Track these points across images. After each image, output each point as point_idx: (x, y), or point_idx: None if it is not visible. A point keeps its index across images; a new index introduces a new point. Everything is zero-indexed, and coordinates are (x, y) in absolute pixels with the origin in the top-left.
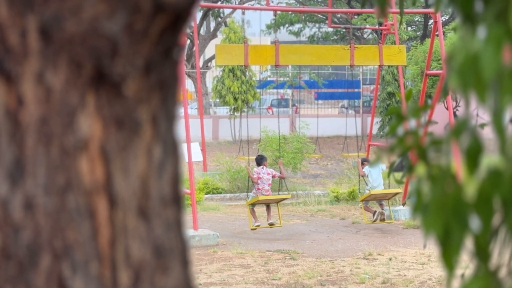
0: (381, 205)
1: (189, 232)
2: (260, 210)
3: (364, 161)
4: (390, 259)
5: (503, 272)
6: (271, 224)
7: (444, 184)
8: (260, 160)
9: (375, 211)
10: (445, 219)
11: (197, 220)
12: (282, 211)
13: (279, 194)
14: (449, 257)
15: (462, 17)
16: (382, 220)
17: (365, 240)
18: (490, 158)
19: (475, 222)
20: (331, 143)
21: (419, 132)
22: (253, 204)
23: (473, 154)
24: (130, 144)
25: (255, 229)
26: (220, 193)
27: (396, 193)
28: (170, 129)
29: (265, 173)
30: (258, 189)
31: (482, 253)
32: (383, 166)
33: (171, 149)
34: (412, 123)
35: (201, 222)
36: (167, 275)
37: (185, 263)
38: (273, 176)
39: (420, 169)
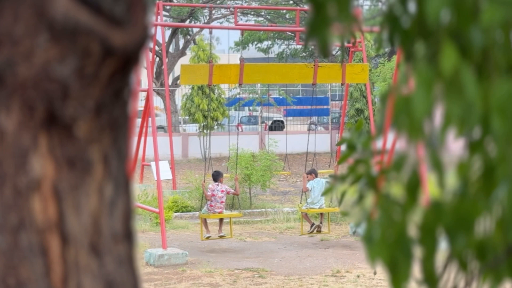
0: (321, 215)
1: (158, 251)
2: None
3: (311, 172)
4: (358, 276)
5: None
6: (222, 236)
7: (390, 214)
8: (216, 176)
9: (313, 223)
10: (390, 249)
11: (166, 239)
12: (250, 228)
13: (231, 213)
14: (398, 284)
15: (404, 56)
16: (319, 231)
17: (333, 257)
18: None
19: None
20: (301, 160)
21: (369, 161)
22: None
23: (412, 188)
24: (81, 183)
25: (207, 239)
26: (190, 211)
27: (334, 211)
28: (121, 168)
29: (219, 191)
30: (211, 206)
31: (429, 279)
32: (325, 183)
33: (123, 186)
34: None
35: (170, 241)
36: None
37: None
38: (228, 193)
39: (369, 199)
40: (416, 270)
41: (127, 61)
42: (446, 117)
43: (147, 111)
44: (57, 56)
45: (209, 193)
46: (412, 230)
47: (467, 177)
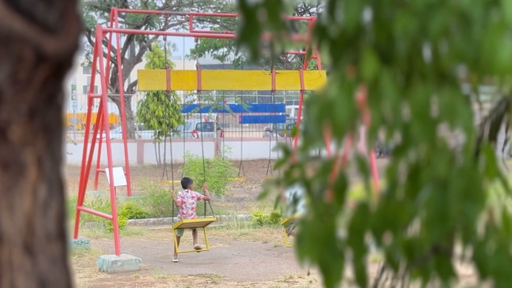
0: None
1: (112, 257)
2: (186, 234)
3: None
4: (311, 281)
5: None
6: (197, 248)
7: (322, 217)
8: (185, 183)
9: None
10: (319, 249)
11: (120, 245)
12: (204, 234)
13: (204, 217)
14: (330, 285)
15: (331, 64)
16: None
17: (286, 263)
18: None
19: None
20: (256, 166)
21: (304, 165)
22: (179, 230)
23: (340, 190)
24: (15, 184)
25: (176, 258)
26: (144, 217)
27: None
28: (55, 169)
29: (190, 197)
30: (183, 213)
31: (360, 280)
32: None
33: (56, 188)
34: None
35: (123, 247)
36: None
37: None
38: (198, 199)
39: (306, 201)
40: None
41: (60, 67)
42: (371, 122)
43: (101, 118)
44: None
45: (179, 200)
46: (342, 231)
47: (394, 180)
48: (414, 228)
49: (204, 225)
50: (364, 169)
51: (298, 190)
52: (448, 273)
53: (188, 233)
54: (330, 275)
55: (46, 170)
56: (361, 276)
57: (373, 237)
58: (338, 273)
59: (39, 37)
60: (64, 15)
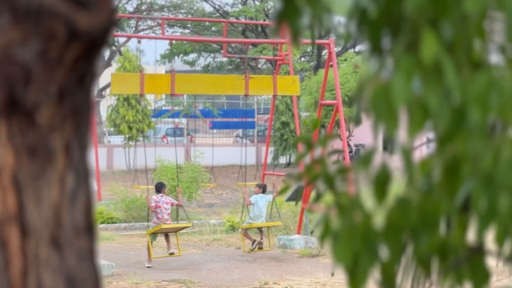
0: (260, 232)
1: None
2: (158, 239)
3: (260, 186)
4: None
5: None
6: (172, 253)
7: (352, 213)
8: (160, 187)
9: (254, 240)
10: (355, 248)
11: None
12: (176, 240)
13: (179, 223)
14: (356, 286)
15: (370, 49)
16: (260, 248)
17: (261, 269)
18: (398, 187)
19: (383, 251)
20: (226, 172)
21: (326, 160)
22: (153, 235)
23: (381, 183)
24: (42, 172)
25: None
26: (115, 222)
27: (275, 226)
28: (82, 157)
29: (164, 202)
30: (159, 218)
31: (388, 282)
32: (270, 198)
33: (84, 177)
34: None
35: None
36: None
37: None
38: (172, 204)
39: (328, 198)
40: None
41: (93, 46)
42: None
43: None
44: (19, 38)
45: (153, 204)
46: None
47: (431, 174)
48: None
49: (179, 229)
50: (409, 161)
51: (258, 197)
52: (483, 277)
53: (160, 239)
54: (357, 276)
55: (74, 158)
56: (390, 277)
57: (411, 235)
58: (365, 274)
59: (71, 12)
60: None
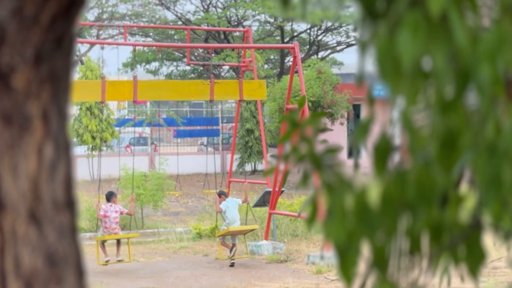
0: (234, 239)
1: None
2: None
3: (221, 194)
4: None
5: (402, 282)
6: (120, 261)
7: (345, 191)
8: (109, 196)
9: (233, 246)
10: (348, 225)
11: None
12: (143, 248)
13: (128, 233)
14: (347, 269)
15: (363, 13)
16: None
17: (229, 276)
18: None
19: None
20: (191, 180)
21: (313, 140)
22: (102, 240)
23: (382, 153)
24: (19, 142)
25: (106, 264)
26: (80, 232)
27: (253, 229)
28: (62, 127)
29: (113, 211)
30: (106, 227)
31: (380, 263)
32: (239, 201)
33: (64, 148)
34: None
35: None
36: (61, 285)
37: (79, 273)
38: (121, 213)
39: (316, 179)
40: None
41: (71, 4)
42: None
43: None
44: None
45: (101, 213)
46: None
47: (427, 146)
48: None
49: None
50: (410, 127)
51: (229, 202)
52: (479, 257)
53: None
54: (348, 258)
55: (52, 127)
56: (381, 257)
57: (408, 211)
58: (356, 256)
59: None
60: None
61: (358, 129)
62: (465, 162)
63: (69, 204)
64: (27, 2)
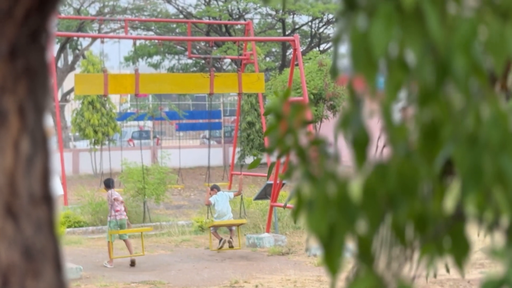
0: (231, 231)
1: None
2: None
3: (213, 188)
4: (257, 286)
5: (388, 274)
6: (133, 263)
7: (327, 183)
8: (112, 183)
9: (221, 239)
10: (330, 218)
11: None
12: (146, 242)
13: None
14: (332, 260)
15: (344, 5)
16: (231, 247)
17: (231, 268)
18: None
19: (361, 223)
20: (194, 173)
21: (298, 131)
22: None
23: (361, 145)
24: None
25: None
26: (82, 226)
27: (241, 223)
28: (39, 121)
29: (119, 194)
30: (117, 210)
31: (365, 255)
32: (231, 195)
33: (40, 142)
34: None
35: None
36: (39, 279)
37: (58, 267)
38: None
39: (301, 170)
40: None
41: None
42: (401, 65)
43: None
44: None
45: (120, 198)
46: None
47: (408, 137)
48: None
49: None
50: (389, 121)
51: (218, 196)
52: (463, 248)
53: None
54: (333, 249)
55: (29, 122)
56: (367, 250)
57: (389, 202)
58: (340, 247)
59: None
60: None
61: (341, 121)
62: (447, 153)
63: (47, 198)
64: None
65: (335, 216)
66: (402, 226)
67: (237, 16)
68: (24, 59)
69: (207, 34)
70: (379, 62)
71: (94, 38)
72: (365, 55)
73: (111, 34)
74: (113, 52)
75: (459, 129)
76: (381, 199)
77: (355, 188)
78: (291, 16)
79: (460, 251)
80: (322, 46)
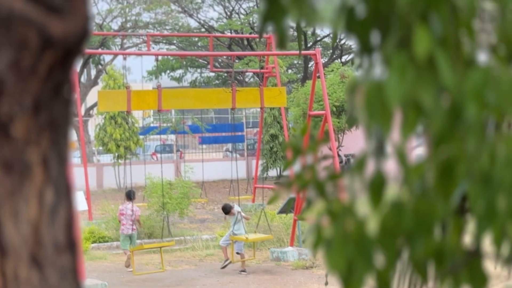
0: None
1: None
2: (149, 256)
3: (223, 208)
4: None
5: None
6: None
7: (345, 220)
8: (134, 195)
9: (227, 259)
10: (349, 255)
11: (84, 270)
12: (170, 257)
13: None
14: None
15: (360, 48)
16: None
17: (255, 283)
18: (393, 190)
19: (378, 257)
20: (217, 187)
21: (316, 167)
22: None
23: (377, 188)
24: (19, 188)
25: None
26: (107, 241)
27: (268, 239)
28: (61, 171)
29: (129, 209)
30: (123, 224)
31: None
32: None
33: (64, 192)
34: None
35: (88, 272)
36: None
37: None
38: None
39: (319, 205)
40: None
41: (68, 54)
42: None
43: None
44: None
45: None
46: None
47: (425, 177)
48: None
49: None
50: (404, 162)
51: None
52: (481, 281)
53: (153, 255)
54: (351, 284)
55: (52, 172)
56: (385, 284)
57: (406, 240)
58: (359, 282)
59: (44, 19)
60: None
61: (356, 165)
62: (463, 190)
63: (70, 246)
64: (24, 55)
65: (353, 252)
66: (421, 260)
67: None
68: (47, 112)
69: (229, 47)
70: (393, 112)
71: (115, 55)
72: (379, 105)
73: (133, 50)
74: (135, 66)
75: (474, 168)
76: (398, 237)
77: (372, 224)
78: (313, 29)
79: (478, 284)
80: (344, 58)
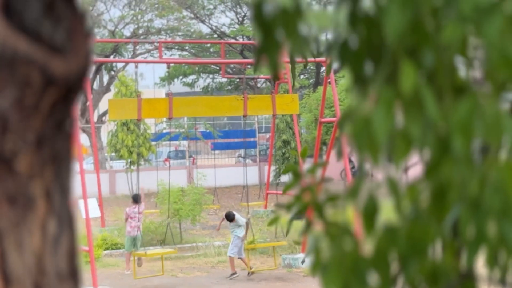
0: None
1: None
2: (152, 264)
3: (226, 216)
4: None
5: None
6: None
7: (342, 242)
8: (140, 198)
9: (235, 272)
10: (344, 276)
11: (97, 277)
12: (182, 264)
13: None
14: None
15: (353, 78)
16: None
17: None
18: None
19: (374, 278)
20: (230, 193)
21: (315, 189)
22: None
23: (370, 214)
24: (23, 220)
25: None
26: (120, 248)
27: (281, 245)
28: (64, 202)
29: (137, 212)
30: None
31: None
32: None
33: (66, 222)
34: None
35: (100, 279)
36: None
37: None
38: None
39: (317, 226)
40: None
41: (69, 91)
42: (405, 138)
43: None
44: None
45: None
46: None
47: (418, 201)
48: (437, 253)
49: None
50: (396, 191)
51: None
52: None
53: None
54: None
55: (55, 204)
56: None
57: (400, 262)
58: None
59: (46, 59)
60: (72, 34)
61: (350, 189)
62: (455, 214)
63: (72, 274)
64: (27, 93)
65: (349, 274)
66: (416, 282)
67: None
68: (50, 147)
69: (241, 52)
70: (381, 144)
71: (127, 63)
72: (368, 138)
73: (145, 58)
74: (148, 71)
75: (464, 194)
76: (392, 259)
77: (368, 246)
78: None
79: None
80: None
